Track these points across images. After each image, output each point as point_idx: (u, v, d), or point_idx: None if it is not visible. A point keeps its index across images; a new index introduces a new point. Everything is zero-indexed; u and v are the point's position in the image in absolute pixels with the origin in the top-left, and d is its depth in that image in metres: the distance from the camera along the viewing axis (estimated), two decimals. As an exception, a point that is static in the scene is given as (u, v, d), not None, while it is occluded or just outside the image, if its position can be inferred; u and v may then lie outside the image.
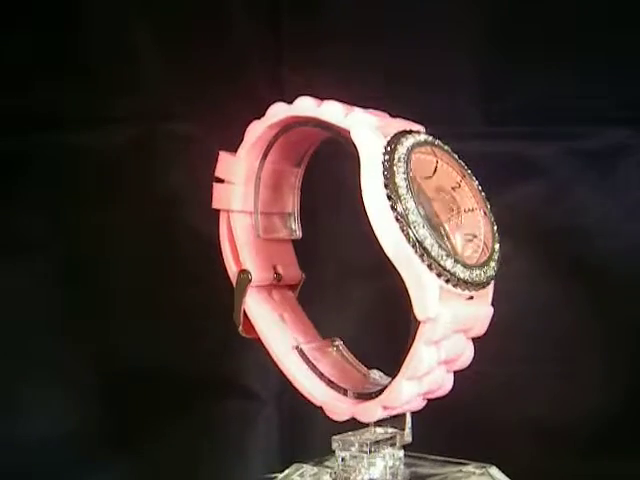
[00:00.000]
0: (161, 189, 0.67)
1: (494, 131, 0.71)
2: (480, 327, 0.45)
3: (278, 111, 0.50)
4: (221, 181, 0.53)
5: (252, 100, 0.65)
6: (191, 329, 0.67)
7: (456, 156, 0.47)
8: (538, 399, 0.69)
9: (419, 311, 0.41)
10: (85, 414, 0.66)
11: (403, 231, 0.42)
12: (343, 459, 0.48)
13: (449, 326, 0.43)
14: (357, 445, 0.48)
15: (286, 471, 0.50)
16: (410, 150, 0.44)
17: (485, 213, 0.46)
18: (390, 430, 0.50)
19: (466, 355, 0.45)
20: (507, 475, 0.50)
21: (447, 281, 0.42)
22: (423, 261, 0.41)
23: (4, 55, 0.68)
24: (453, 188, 0.47)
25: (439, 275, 0.41)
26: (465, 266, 0.43)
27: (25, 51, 0.68)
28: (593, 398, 0.69)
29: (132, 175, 0.68)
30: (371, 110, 0.48)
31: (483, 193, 0.47)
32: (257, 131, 0.51)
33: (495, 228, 0.47)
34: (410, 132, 0.45)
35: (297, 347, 0.51)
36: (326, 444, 0.48)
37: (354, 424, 0.48)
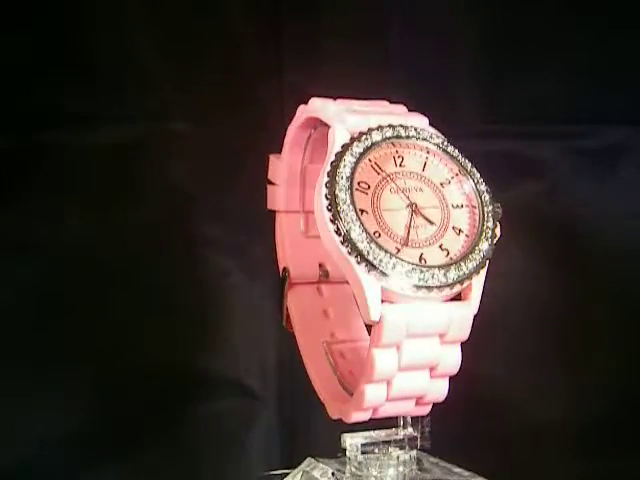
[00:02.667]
0: (161, 189, 0.68)
1: (494, 130, 0.70)
2: (458, 331, 0.42)
3: (300, 112, 0.51)
4: (272, 183, 0.56)
5: (252, 100, 0.67)
6: (191, 329, 0.67)
7: (454, 152, 0.45)
8: (538, 397, 0.67)
9: (362, 314, 0.41)
10: (85, 413, 0.66)
11: (337, 232, 0.41)
12: (350, 458, 0.48)
13: (401, 330, 0.41)
14: (363, 444, 0.48)
15: (300, 466, 0.50)
16: (369, 148, 0.43)
17: (477, 210, 0.44)
18: (405, 432, 0.49)
19: (448, 360, 0.43)
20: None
21: (391, 282, 0.40)
22: (359, 263, 0.40)
23: (4, 55, 0.68)
24: (442, 184, 0.45)
25: (381, 276, 0.40)
26: (415, 267, 0.41)
27: (25, 51, 0.68)
28: (593, 397, 0.67)
29: (132, 175, 0.69)
30: (374, 103, 0.48)
31: (481, 188, 0.45)
32: (290, 133, 0.53)
33: (487, 227, 0.44)
34: (389, 127, 0.44)
35: (325, 342, 0.52)
36: (327, 443, 0.49)
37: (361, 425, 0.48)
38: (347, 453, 0.48)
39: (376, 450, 0.48)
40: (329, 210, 0.41)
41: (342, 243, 0.41)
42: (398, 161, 0.44)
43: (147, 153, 0.68)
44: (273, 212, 0.56)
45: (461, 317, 0.42)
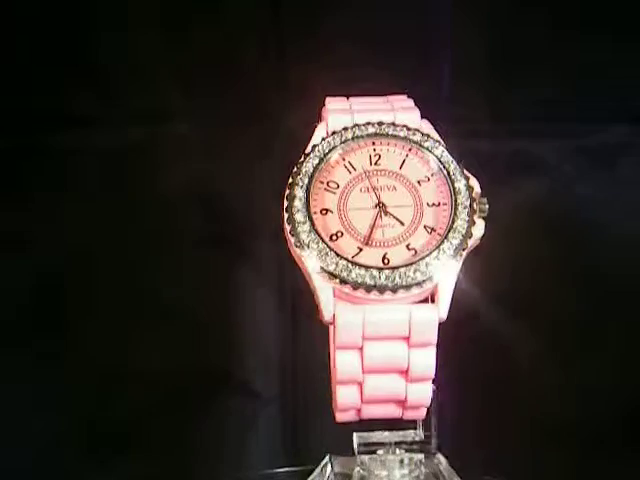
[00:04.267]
0: (161, 189, 0.67)
1: (495, 129, 0.69)
2: (422, 334, 0.40)
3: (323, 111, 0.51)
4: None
5: (252, 100, 0.66)
6: (193, 328, 0.67)
7: (434, 148, 0.43)
8: (537, 397, 0.65)
9: (319, 314, 0.41)
10: (85, 413, 0.66)
11: (291, 233, 0.41)
12: (357, 458, 0.48)
13: (356, 331, 0.40)
14: (368, 443, 0.47)
15: (322, 462, 0.50)
16: (335, 148, 0.43)
17: (454, 209, 0.42)
18: (414, 434, 0.47)
19: (418, 364, 0.41)
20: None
21: (342, 284, 0.40)
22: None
23: (4, 55, 0.68)
24: (419, 182, 0.43)
25: (330, 278, 0.40)
26: (367, 268, 0.40)
27: (25, 51, 0.68)
28: (593, 397, 0.65)
29: (134, 176, 0.68)
30: (383, 99, 0.47)
31: (459, 185, 0.42)
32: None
33: (457, 226, 0.41)
34: (367, 125, 0.44)
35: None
36: (331, 443, 0.48)
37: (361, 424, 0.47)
38: (355, 453, 0.49)
39: (381, 451, 0.48)
40: (286, 211, 0.42)
41: (295, 245, 0.41)
42: (374, 159, 0.44)
43: (148, 155, 0.68)
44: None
45: (423, 320, 0.40)
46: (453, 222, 0.41)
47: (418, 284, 0.40)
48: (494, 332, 0.65)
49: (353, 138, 0.43)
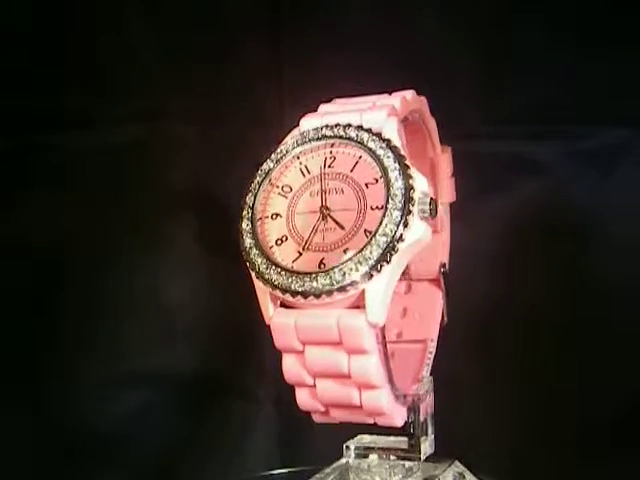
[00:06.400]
0: (161, 189, 0.67)
1: (494, 131, 0.69)
2: (352, 340, 0.39)
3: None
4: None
5: (252, 100, 0.66)
6: (190, 329, 0.66)
7: (382, 150, 0.41)
8: (536, 398, 0.65)
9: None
10: (85, 413, 0.66)
11: (240, 238, 0.42)
12: (348, 462, 0.47)
13: (288, 335, 0.40)
14: (359, 447, 0.47)
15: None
16: (286, 154, 0.43)
17: (385, 211, 0.40)
18: (407, 441, 0.46)
19: (356, 370, 0.40)
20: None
21: (273, 289, 0.40)
22: (252, 270, 0.41)
23: (4, 55, 0.69)
24: (367, 184, 0.41)
25: (265, 283, 0.41)
26: (293, 274, 0.40)
27: (25, 51, 0.69)
28: (591, 397, 0.65)
29: (132, 175, 0.67)
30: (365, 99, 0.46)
31: (397, 186, 0.40)
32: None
33: (386, 230, 0.39)
34: (325, 128, 0.43)
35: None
36: (328, 445, 0.48)
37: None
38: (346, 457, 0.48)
39: (374, 456, 0.47)
40: (239, 216, 0.43)
41: (241, 248, 0.43)
42: (329, 162, 0.43)
43: (147, 154, 0.68)
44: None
45: (350, 326, 0.39)
46: (380, 225, 0.40)
47: (340, 289, 0.39)
48: (493, 333, 0.65)
49: (306, 142, 0.43)
